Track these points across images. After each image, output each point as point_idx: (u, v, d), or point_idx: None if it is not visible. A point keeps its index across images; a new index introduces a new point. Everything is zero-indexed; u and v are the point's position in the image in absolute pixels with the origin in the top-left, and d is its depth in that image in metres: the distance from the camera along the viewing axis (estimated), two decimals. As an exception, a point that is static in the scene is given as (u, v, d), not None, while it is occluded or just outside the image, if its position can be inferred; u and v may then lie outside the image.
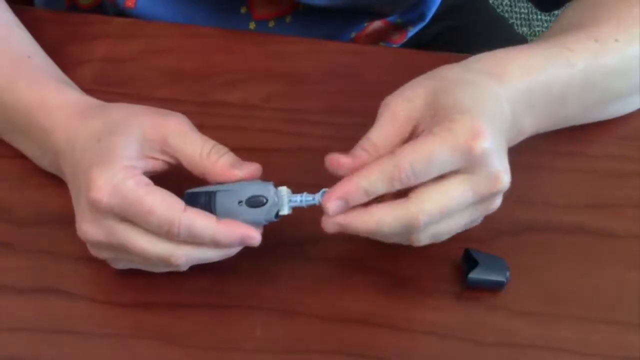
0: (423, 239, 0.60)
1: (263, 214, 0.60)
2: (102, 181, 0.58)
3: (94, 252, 0.63)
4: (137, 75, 0.76)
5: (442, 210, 0.58)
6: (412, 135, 0.60)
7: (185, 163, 0.61)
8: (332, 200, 0.59)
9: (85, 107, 0.65)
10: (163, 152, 0.61)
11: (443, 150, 0.57)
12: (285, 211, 0.61)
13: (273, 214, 0.60)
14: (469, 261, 0.65)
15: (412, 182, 0.58)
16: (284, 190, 0.61)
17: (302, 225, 0.63)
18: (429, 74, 0.63)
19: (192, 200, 0.60)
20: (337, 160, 0.60)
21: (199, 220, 0.59)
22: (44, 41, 0.72)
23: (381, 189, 0.58)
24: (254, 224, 0.60)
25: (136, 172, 0.60)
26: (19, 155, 0.70)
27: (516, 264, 0.66)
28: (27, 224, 0.68)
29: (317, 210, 0.61)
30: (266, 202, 0.60)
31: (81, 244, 0.64)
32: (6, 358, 0.63)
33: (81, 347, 0.63)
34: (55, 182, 0.68)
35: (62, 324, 0.64)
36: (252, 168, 0.61)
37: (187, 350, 0.63)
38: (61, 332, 0.64)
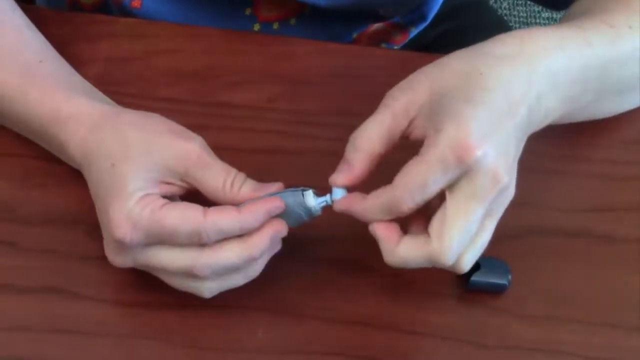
0: (464, 266, 0.60)
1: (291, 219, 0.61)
2: (120, 219, 0.59)
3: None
4: (141, 75, 0.76)
5: (462, 231, 0.58)
6: (407, 128, 0.60)
7: (208, 195, 0.61)
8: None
9: (97, 117, 0.64)
10: (182, 180, 0.61)
11: (434, 172, 0.57)
12: (313, 211, 0.61)
13: (302, 214, 0.61)
14: (471, 264, 0.66)
15: (414, 208, 0.58)
16: (310, 193, 0.61)
17: (304, 226, 0.63)
18: (440, 64, 0.61)
19: None
20: (334, 182, 0.61)
21: (222, 220, 0.59)
22: (48, 41, 0.72)
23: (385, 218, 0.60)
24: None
25: (151, 199, 0.60)
26: (22, 155, 0.70)
27: (518, 267, 0.67)
28: (31, 223, 0.68)
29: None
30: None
31: (83, 243, 0.65)
32: (8, 358, 0.63)
33: (83, 346, 0.63)
34: (59, 182, 0.68)
35: (65, 324, 0.64)
36: (273, 189, 0.61)
37: (188, 351, 0.63)
38: (63, 332, 0.64)
